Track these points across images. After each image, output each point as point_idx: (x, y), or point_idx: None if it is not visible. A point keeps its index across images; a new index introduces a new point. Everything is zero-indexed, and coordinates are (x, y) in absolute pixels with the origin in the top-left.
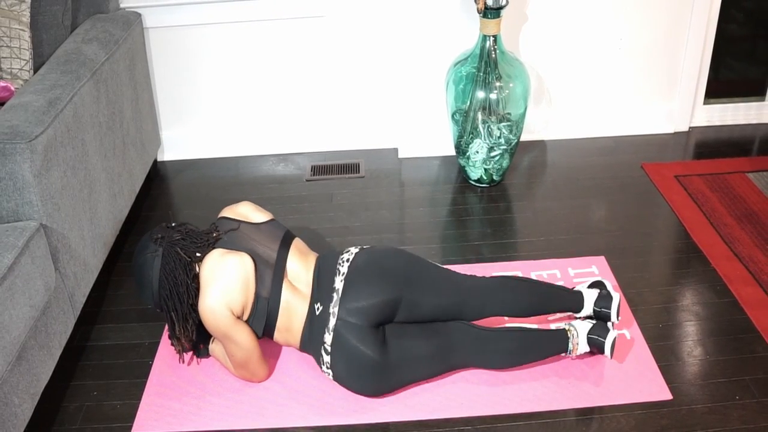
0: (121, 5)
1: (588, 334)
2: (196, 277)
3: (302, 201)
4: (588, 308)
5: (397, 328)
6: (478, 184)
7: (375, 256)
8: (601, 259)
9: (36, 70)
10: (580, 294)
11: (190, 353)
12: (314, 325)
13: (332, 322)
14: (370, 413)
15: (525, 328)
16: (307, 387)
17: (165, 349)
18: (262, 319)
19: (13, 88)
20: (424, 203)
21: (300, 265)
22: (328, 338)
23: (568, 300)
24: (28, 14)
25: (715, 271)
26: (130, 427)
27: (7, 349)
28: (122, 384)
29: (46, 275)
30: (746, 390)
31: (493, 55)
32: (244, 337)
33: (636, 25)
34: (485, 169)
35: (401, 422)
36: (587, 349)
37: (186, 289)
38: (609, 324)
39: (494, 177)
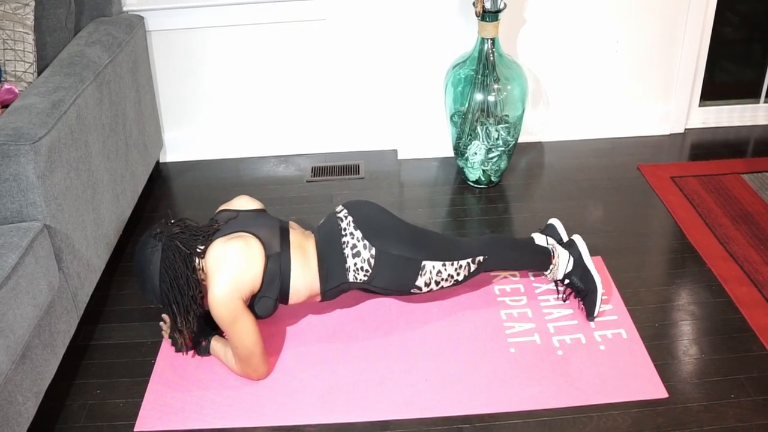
0: (124, 8)
1: (570, 274)
2: (196, 270)
3: (303, 202)
4: (541, 239)
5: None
6: (476, 185)
7: (366, 203)
8: (598, 259)
9: (40, 72)
10: (549, 255)
11: (190, 351)
12: (325, 237)
13: (349, 218)
14: (370, 411)
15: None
16: (308, 385)
17: (167, 348)
18: (277, 276)
19: (17, 91)
20: (423, 204)
21: (302, 235)
22: (358, 234)
23: (542, 254)
24: (32, 17)
25: (711, 271)
26: (133, 425)
27: (11, 348)
28: (125, 382)
29: (50, 275)
30: (741, 388)
31: (491, 58)
32: (250, 327)
33: (632, 28)
34: (483, 171)
35: (401, 420)
36: (560, 276)
37: (186, 281)
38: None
39: (492, 178)
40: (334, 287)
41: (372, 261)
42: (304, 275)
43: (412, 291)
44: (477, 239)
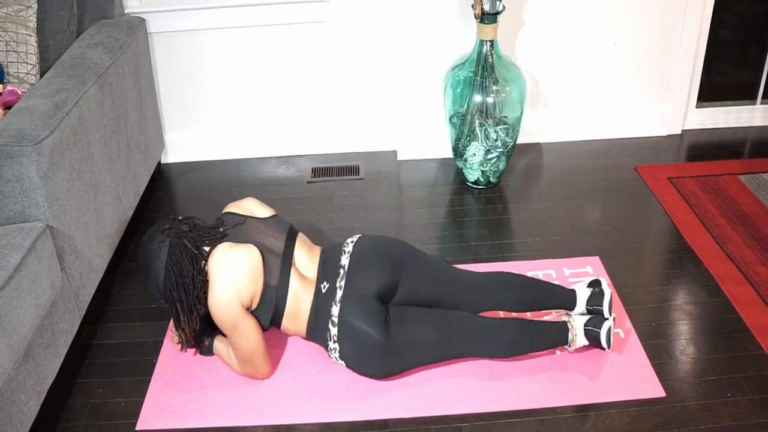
0: (126, 11)
1: (585, 325)
2: (202, 270)
3: (303, 202)
4: (581, 306)
5: (401, 312)
6: (475, 186)
7: (378, 241)
8: (596, 259)
9: (42, 74)
10: (573, 292)
11: (192, 349)
12: (321, 304)
13: (339, 294)
14: (370, 410)
15: (526, 319)
16: (308, 384)
17: (169, 347)
18: (270, 308)
19: (19, 92)
20: (423, 204)
21: (306, 256)
22: (335, 310)
23: (561, 297)
24: (35, 20)
25: (708, 271)
26: (135, 424)
27: (14, 348)
28: (127, 381)
29: (52, 275)
30: (738, 387)
31: (490, 60)
32: (251, 331)
33: (630, 30)
34: (482, 171)
35: (400, 419)
36: (585, 342)
37: (192, 280)
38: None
39: (491, 179)
40: (316, 337)
41: (337, 350)
42: (295, 325)
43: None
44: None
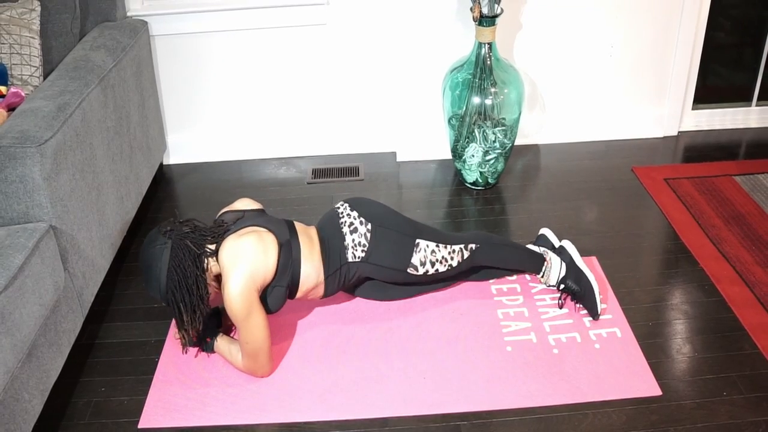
0: (129, 13)
1: (561, 262)
2: (205, 271)
3: (303, 203)
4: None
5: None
6: (473, 187)
7: (364, 202)
8: (593, 259)
9: (45, 76)
10: (541, 258)
11: (194, 348)
12: (329, 224)
13: (347, 206)
14: (370, 408)
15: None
16: (309, 383)
17: (171, 346)
18: (288, 264)
19: (23, 94)
20: (422, 205)
21: (305, 227)
22: (355, 214)
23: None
24: (38, 22)
25: (703, 271)
26: (137, 422)
27: (17, 347)
28: (129, 380)
29: (56, 275)
30: (733, 386)
31: (489, 62)
32: (262, 322)
33: (626, 32)
34: (480, 173)
35: (399, 417)
36: (553, 281)
37: (195, 281)
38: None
39: (489, 180)
40: (336, 270)
41: (368, 235)
42: (311, 260)
43: (408, 271)
44: (471, 232)
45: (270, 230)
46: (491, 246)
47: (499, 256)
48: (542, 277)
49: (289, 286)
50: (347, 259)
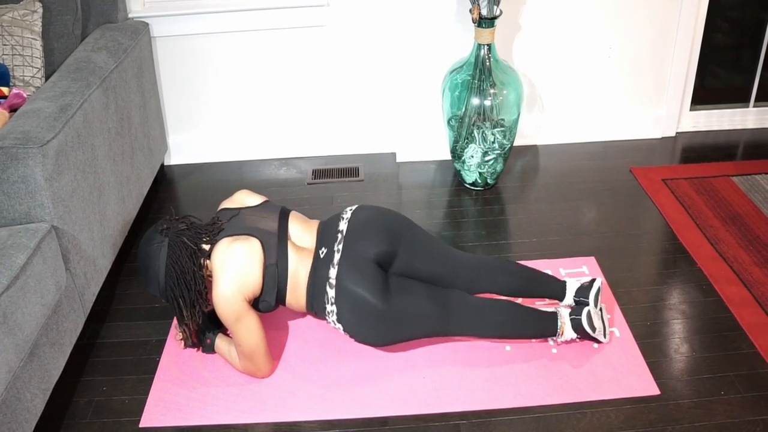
0: (130, 15)
1: (570, 316)
2: (202, 266)
3: (303, 203)
4: (569, 297)
5: (401, 282)
6: (472, 188)
7: (377, 210)
8: (591, 259)
9: (47, 77)
10: (564, 283)
11: (194, 348)
12: (318, 269)
13: (337, 257)
14: (369, 407)
15: (519, 303)
16: (309, 382)
17: (172, 346)
18: (274, 285)
19: (25, 95)
20: (421, 206)
21: (302, 229)
22: (333, 273)
23: (552, 286)
24: (40, 24)
25: (701, 271)
26: (138, 421)
27: (19, 346)
28: (130, 380)
29: (57, 275)
30: (731, 385)
31: (488, 63)
32: (254, 326)
33: (625, 34)
34: (480, 173)
35: (399, 416)
36: (574, 334)
37: (193, 276)
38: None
39: (488, 180)
40: (315, 312)
41: (340, 327)
42: (295, 294)
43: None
44: (477, 309)
45: (261, 242)
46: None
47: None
48: (558, 337)
49: (277, 302)
50: (326, 320)
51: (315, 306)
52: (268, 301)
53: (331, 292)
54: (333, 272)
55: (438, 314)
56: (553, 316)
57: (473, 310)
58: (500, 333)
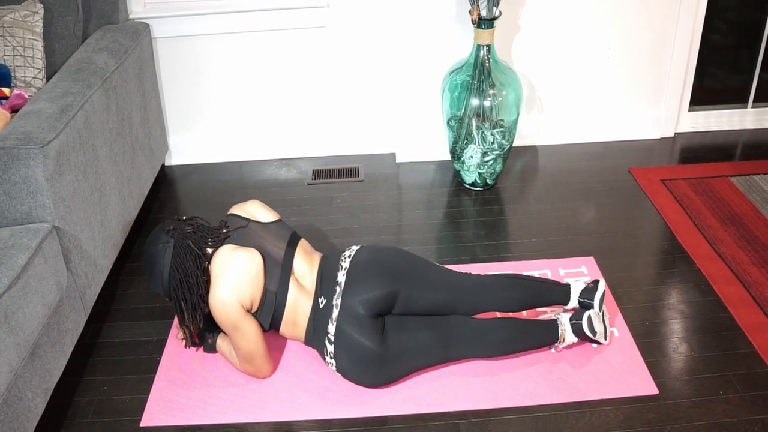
0: (131, 16)
1: (570, 320)
2: (205, 271)
3: (304, 204)
4: (574, 300)
5: (397, 320)
6: (472, 188)
7: (375, 253)
8: (590, 259)
9: (48, 78)
10: (567, 286)
11: (195, 347)
12: (318, 319)
13: (335, 313)
14: (369, 407)
15: (517, 319)
16: (309, 382)
17: (173, 345)
18: (270, 312)
19: (26, 96)
20: (421, 206)
21: (305, 264)
22: (332, 329)
23: (556, 294)
24: (41, 25)
25: (700, 271)
26: (139, 420)
27: (21, 346)
28: (131, 379)
29: (59, 275)
30: (729, 385)
31: (487, 64)
32: (251, 331)
33: (624, 35)
34: (479, 174)
35: (399, 416)
36: (574, 338)
37: (195, 280)
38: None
39: (488, 181)
40: (314, 344)
41: (334, 364)
42: (293, 328)
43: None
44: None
45: (265, 262)
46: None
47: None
48: (560, 344)
49: (270, 327)
50: (325, 349)
51: (315, 347)
52: (262, 323)
53: (330, 347)
54: (332, 328)
55: (438, 343)
56: (554, 324)
57: (473, 334)
58: (502, 351)
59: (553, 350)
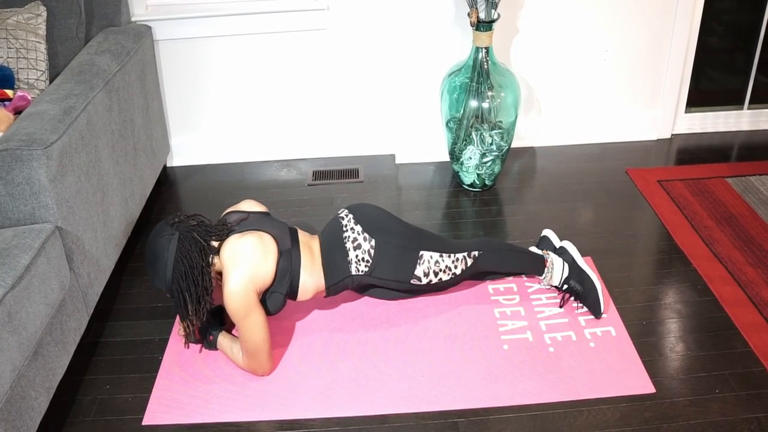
0: (133, 19)
1: (563, 279)
2: (210, 264)
3: (304, 205)
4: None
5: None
6: (471, 189)
7: (369, 205)
8: (588, 259)
9: (51, 80)
10: (542, 260)
11: (197, 346)
12: (332, 235)
13: (352, 218)
14: (369, 405)
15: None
16: (309, 380)
17: (174, 344)
18: (287, 271)
19: (29, 98)
20: (420, 207)
21: (308, 238)
22: (358, 228)
23: (537, 262)
24: (44, 27)
25: (696, 271)
26: (141, 419)
27: (24, 345)
28: (133, 378)
29: (61, 275)
30: (726, 384)
31: (486, 66)
32: (261, 321)
33: (621, 37)
34: (478, 175)
35: (398, 414)
36: (556, 282)
37: (201, 272)
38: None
39: (486, 182)
40: (339, 281)
41: (372, 251)
42: (311, 272)
43: (412, 282)
44: (473, 240)
45: (272, 235)
46: (493, 252)
47: (501, 261)
48: (544, 278)
49: (288, 294)
50: (350, 272)
51: (333, 267)
52: (279, 292)
53: (353, 253)
54: (359, 228)
55: (443, 239)
56: (542, 260)
57: (481, 240)
58: (497, 260)
59: (525, 278)
